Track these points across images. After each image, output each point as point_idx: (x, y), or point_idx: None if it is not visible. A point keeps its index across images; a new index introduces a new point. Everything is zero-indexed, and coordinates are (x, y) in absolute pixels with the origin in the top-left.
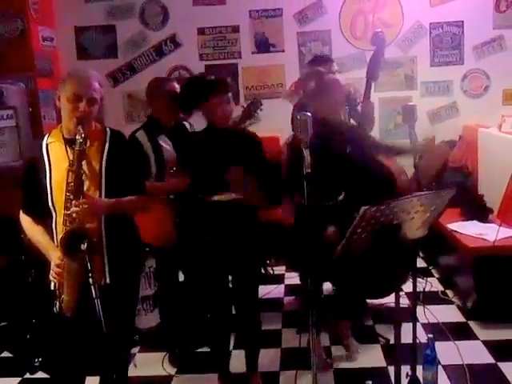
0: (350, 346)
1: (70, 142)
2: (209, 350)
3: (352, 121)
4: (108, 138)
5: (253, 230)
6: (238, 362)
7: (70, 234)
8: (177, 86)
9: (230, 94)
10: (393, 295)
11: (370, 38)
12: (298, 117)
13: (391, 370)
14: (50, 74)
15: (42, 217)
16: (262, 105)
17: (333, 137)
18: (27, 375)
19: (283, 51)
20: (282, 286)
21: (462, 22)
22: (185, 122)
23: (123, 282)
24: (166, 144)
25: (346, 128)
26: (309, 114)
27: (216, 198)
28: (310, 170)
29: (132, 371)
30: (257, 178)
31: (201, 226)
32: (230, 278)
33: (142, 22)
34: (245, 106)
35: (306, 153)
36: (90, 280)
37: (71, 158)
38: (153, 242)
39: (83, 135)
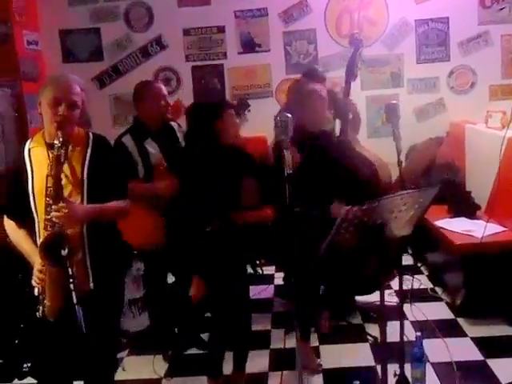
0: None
1: (52, 147)
2: (199, 352)
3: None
4: (91, 143)
5: (234, 231)
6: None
7: (50, 240)
8: (162, 88)
9: (232, 111)
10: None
11: (348, 40)
12: (278, 118)
13: (380, 368)
14: (35, 78)
15: (25, 221)
16: (249, 106)
17: (316, 147)
18: (16, 381)
19: (269, 51)
20: (272, 287)
21: (448, 18)
22: (172, 123)
23: (107, 287)
24: (151, 148)
25: (328, 138)
26: (289, 115)
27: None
28: (291, 171)
29: (121, 375)
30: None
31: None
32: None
33: (126, 24)
34: None
35: (287, 154)
36: (71, 286)
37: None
38: (138, 247)
39: (61, 139)
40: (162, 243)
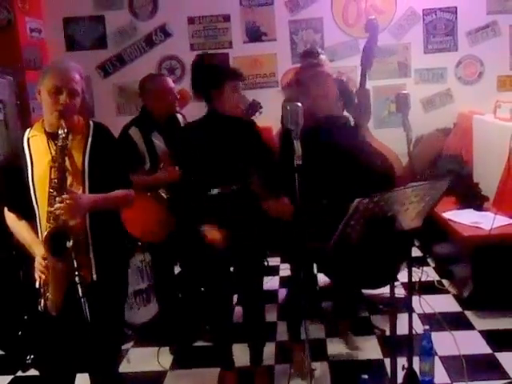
0: (348, 341)
1: (52, 137)
2: (205, 344)
3: (346, 113)
4: (91, 131)
5: (256, 221)
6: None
7: (54, 233)
8: (169, 82)
9: (235, 82)
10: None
11: (364, 26)
12: (288, 107)
13: (387, 361)
14: (38, 66)
15: (26, 213)
16: (261, 108)
17: (324, 132)
18: (19, 373)
19: (275, 40)
20: (277, 278)
21: (456, 7)
22: (178, 115)
23: (110, 279)
24: (157, 140)
25: (337, 123)
26: (299, 104)
27: (216, 191)
28: (300, 162)
29: (125, 366)
30: (258, 167)
31: (203, 219)
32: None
33: (131, 11)
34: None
35: (297, 144)
36: (77, 279)
37: (54, 153)
38: (142, 238)
39: (66, 129)
40: (168, 233)
